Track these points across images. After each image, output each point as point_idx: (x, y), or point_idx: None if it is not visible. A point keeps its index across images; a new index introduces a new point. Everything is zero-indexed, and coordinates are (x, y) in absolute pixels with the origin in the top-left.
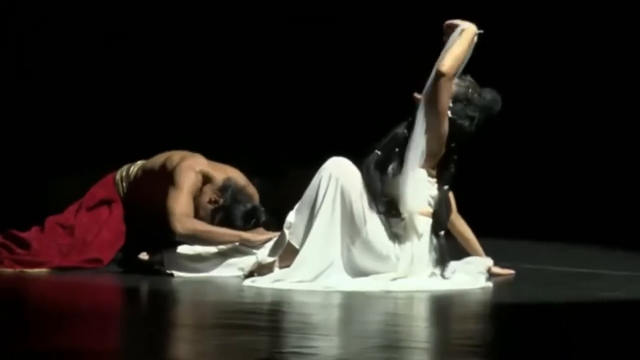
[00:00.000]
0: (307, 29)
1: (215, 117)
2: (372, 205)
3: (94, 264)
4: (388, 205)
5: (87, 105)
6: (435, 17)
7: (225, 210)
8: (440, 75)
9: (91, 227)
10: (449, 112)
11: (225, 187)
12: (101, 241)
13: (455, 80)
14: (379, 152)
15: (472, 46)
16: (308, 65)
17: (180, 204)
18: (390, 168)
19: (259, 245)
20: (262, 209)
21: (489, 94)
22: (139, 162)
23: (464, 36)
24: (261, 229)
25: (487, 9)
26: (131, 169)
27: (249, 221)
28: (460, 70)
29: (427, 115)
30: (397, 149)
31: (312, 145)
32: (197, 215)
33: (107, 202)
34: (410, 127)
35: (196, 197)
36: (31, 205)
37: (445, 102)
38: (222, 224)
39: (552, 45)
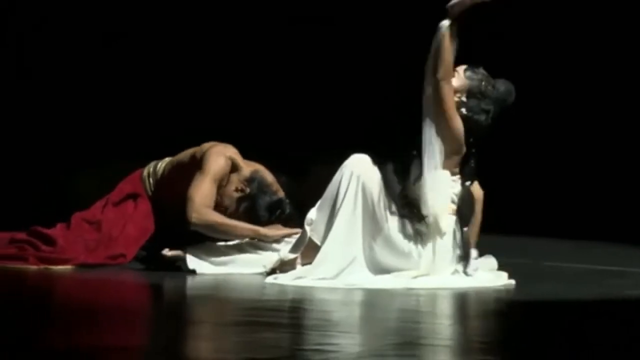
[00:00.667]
0: (314, 28)
1: (227, 117)
2: (393, 203)
3: (119, 259)
4: (409, 207)
5: (103, 100)
6: (436, 18)
7: (250, 200)
8: (438, 82)
9: (117, 222)
10: (463, 110)
11: (253, 178)
12: (126, 236)
13: (467, 73)
14: (394, 162)
15: (455, 36)
16: (317, 65)
17: (202, 193)
18: (411, 175)
19: (276, 240)
20: (288, 201)
21: (502, 85)
22: (167, 159)
23: (440, 38)
24: (279, 225)
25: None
26: (158, 166)
27: (274, 212)
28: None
29: (435, 117)
30: (414, 152)
31: (330, 143)
32: (222, 204)
33: (133, 197)
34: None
35: (222, 185)
36: (50, 201)
37: (451, 100)
38: (246, 213)
39: (572, 36)
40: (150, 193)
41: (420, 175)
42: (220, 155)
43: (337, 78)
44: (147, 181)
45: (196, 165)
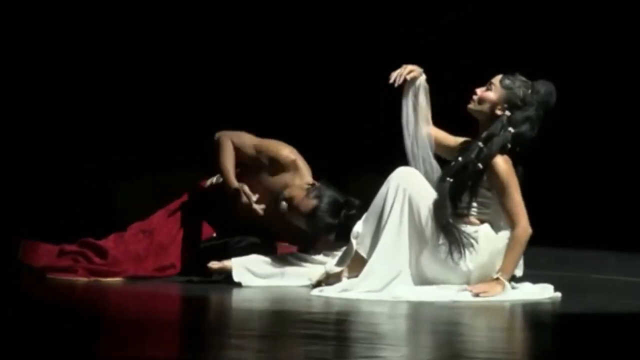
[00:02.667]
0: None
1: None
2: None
3: (168, 271)
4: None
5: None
6: (438, 19)
7: (319, 191)
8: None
9: (170, 230)
10: (510, 129)
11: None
12: (177, 245)
13: (505, 82)
14: (450, 180)
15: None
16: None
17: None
18: (464, 205)
19: (316, 252)
20: (357, 202)
21: (542, 87)
22: None
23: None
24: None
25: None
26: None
27: (338, 212)
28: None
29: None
30: (469, 183)
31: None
32: (293, 199)
33: (189, 206)
34: (479, 155)
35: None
36: (98, 212)
37: (514, 181)
38: (311, 211)
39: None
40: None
41: (469, 205)
42: (286, 148)
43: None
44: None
45: (260, 169)
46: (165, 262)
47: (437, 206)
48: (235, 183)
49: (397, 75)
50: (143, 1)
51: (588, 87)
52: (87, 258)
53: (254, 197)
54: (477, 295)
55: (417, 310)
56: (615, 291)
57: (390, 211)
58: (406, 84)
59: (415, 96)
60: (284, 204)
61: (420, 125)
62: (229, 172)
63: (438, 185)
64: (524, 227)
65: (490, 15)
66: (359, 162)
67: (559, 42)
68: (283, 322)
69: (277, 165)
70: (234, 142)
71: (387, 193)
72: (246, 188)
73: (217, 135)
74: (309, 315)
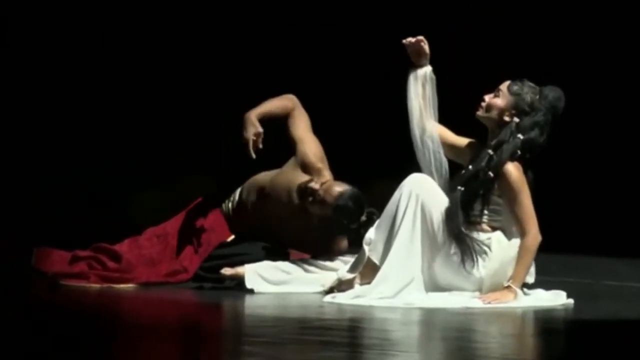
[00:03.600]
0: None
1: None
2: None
3: (180, 275)
4: (469, 241)
5: (168, 117)
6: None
7: (347, 199)
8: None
9: (184, 234)
10: (520, 135)
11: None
12: (190, 251)
13: (513, 88)
14: (461, 189)
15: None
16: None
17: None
18: (476, 212)
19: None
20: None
21: (550, 92)
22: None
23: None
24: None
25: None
26: (241, 193)
27: (362, 205)
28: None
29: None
30: (481, 191)
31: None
32: (323, 196)
33: (206, 209)
34: (489, 163)
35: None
36: (111, 218)
37: (525, 189)
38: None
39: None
40: (228, 211)
41: (481, 213)
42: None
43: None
44: (227, 202)
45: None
46: (177, 267)
47: (449, 215)
48: (254, 120)
49: (412, 39)
50: (153, 6)
51: (604, 94)
52: (100, 263)
53: (259, 129)
54: (488, 303)
55: (429, 316)
56: (627, 298)
57: (403, 217)
58: (411, 72)
59: (423, 86)
60: (314, 186)
61: (428, 116)
62: (264, 108)
63: (449, 195)
64: (534, 235)
65: (497, 17)
66: (370, 168)
67: (571, 50)
68: (296, 328)
69: (304, 166)
70: (294, 114)
71: (399, 199)
72: (257, 125)
73: (293, 101)
74: (322, 322)
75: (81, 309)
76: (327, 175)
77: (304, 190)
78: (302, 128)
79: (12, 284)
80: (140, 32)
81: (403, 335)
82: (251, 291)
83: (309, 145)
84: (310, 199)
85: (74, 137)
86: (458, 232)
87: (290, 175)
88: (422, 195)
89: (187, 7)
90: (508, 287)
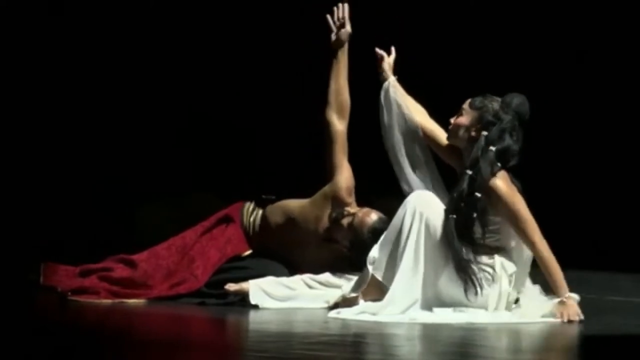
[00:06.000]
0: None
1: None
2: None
3: (190, 283)
4: (470, 270)
5: (175, 130)
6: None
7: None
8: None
9: (202, 247)
10: (492, 147)
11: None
12: (206, 259)
13: (474, 103)
14: (454, 217)
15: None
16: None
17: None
18: (478, 236)
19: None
20: None
21: (512, 99)
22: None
23: None
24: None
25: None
26: (265, 212)
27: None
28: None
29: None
30: (474, 214)
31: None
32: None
33: (226, 221)
34: (472, 184)
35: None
36: (118, 234)
37: (519, 199)
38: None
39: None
40: (248, 225)
41: (482, 235)
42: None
43: None
44: (246, 213)
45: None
46: (188, 275)
47: (448, 245)
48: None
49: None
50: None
51: (602, 108)
52: (110, 273)
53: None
54: (570, 322)
55: (433, 332)
56: (631, 313)
57: (407, 236)
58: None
59: (386, 96)
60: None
61: (405, 113)
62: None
63: (443, 223)
64: (540, 242)
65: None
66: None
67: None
68: (300, 344)
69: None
70: (339, 131)
71: (404, 217)
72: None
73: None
74: (326, 338)
75: (87, 324)
76: (355, 208)
77: (340, 214)
78: (342, 154)
79: (20, 299)
80: (156, 49)
81: (407, 351)
82: (255, 307)
83: (345, 175)
84: (345, 221)
85: (81, 153)
86: (459, 260)
87: (320, 206)
88: (425, 213)
89: (208, 29)
90: (562, 301)
